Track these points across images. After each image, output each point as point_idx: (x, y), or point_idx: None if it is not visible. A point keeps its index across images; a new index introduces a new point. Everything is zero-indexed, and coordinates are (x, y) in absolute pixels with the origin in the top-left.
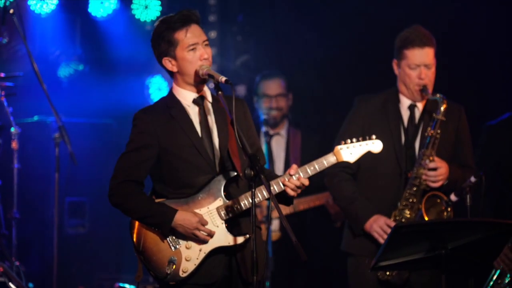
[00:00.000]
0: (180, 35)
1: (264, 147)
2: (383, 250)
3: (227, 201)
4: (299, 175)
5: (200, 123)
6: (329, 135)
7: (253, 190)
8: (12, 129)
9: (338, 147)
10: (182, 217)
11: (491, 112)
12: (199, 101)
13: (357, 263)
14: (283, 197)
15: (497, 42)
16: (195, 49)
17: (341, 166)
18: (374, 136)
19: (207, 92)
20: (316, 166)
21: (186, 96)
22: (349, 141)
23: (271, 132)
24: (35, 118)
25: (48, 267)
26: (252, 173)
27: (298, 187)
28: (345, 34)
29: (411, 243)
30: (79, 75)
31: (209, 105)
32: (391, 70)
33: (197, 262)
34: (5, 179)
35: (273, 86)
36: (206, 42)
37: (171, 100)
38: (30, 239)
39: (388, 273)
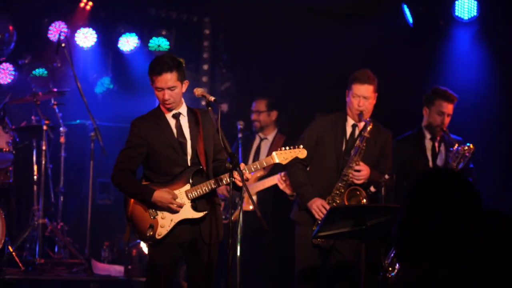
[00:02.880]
0: (153, 78)
1: (252, 147)
2: (321, 225)
3: (193, 187)
4: (245, 171)
5: (177, 129)
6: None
7: (231, 178)
8: (61, 129)
9: (274, 152)
10: (159, 194)
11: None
12: (176, 115)
13: (301, 230)
14: (234, 185)
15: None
16: (161, 90)
17: (299, 160)
18: (301, 146)
19: (184, 108)
20: (258, 165)
21: (167, 111)
22: (283, 148)
23: (262, 136)
24: (78, 121)
25: (83, 227)
26: (231, 166)
27: (245, 179)
28: (306, 72)
29: (341, 220)
30: (109, 92)
31: (185, 118)
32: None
33: (169, 228)
34: (55, 164)
35: (257, 104)
36: (172, 87)
37: (158, 112)
38: (71, 208)
39: (318, 240)
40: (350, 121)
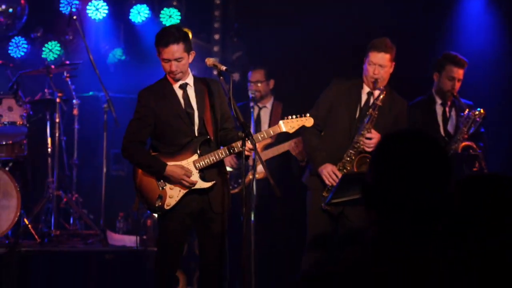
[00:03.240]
0: (160, 49)
1: (252, 117)
2: (334, 191)
3: (201, 157)
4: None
5: (184, 100)
6: (306, 106)
7: (243, 147)
8: (74, 101)
9: (281, 121)
10: (171, 169)
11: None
12: (183, 85)
13: (312, 195)
14: (241, 154)
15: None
16: (168, 61)
17: (315, 124)
18: (308, 114)
19: (190, 79)
20: (265, 134)
21: (174, 81)
22: (290, 117)
23: (260, 105)
24: (90, 93)
25: (98, 199)
26: (243, 134)
27: (250, 149)
28: (323, 37)
29: (353, 187)
30: (121, 63)
31: (192, 88)
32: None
33: (177, 199)
34: (68, 136)
35: (254, 75)
36: (178, 58)
37: (165, 83)
38: (86, 179)
39: (328, 206)
40: (365, 89)
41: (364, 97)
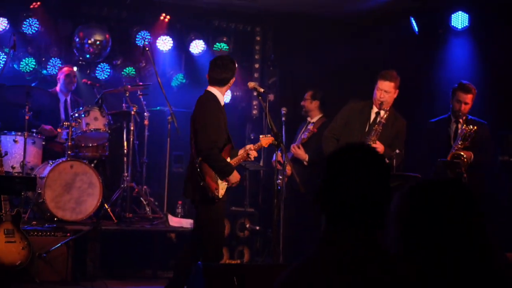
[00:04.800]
0: (235, 74)
1: (300, 128)
2: None
3: (232, 159)
4: (251, 150)
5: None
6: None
7: (277, 152)
8: (145, 113)
9: (260, 136)
10: (235, 174)
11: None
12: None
13: None
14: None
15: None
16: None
17: (332, 133)
18: (269, 135)
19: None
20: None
21: (221, 99)
22: (265, 135)
23: (309, 120)
24: (158, 108)
25: (162, 189)
26: (276, 142)
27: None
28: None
29: None
30: (182, 85)
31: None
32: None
33: (224, 190)
34: (140, 140)
35: (306, 94)
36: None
37: (218, 98)
38: (153, 174)
39: None
40: (374, 109)
41: (372, 116)
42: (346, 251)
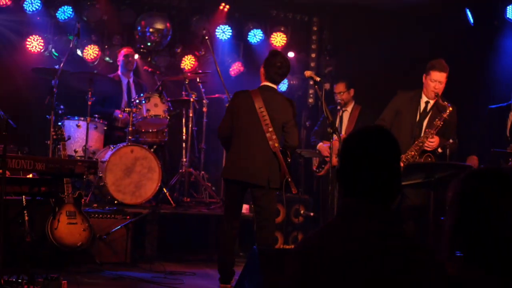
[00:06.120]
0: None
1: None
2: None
3: None
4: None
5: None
6: (379, 110)
7: (331, 141)
8: (204, 101)
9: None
10: None
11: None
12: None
13: None
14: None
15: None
16: None
17: (383, 122)
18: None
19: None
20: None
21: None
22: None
23: (343, 109)
24: (216, 95)
25: (219, 175)
26: (331, 130)
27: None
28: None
29: (415, 173)
30: (240, 73)
31: None
32: (420, 77)
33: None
34: (199, 127)
35: (338, 87)
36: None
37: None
38: (210, 160)
39: None
40: (424, 98)
41: (422, 105)
42: (359, 221)
